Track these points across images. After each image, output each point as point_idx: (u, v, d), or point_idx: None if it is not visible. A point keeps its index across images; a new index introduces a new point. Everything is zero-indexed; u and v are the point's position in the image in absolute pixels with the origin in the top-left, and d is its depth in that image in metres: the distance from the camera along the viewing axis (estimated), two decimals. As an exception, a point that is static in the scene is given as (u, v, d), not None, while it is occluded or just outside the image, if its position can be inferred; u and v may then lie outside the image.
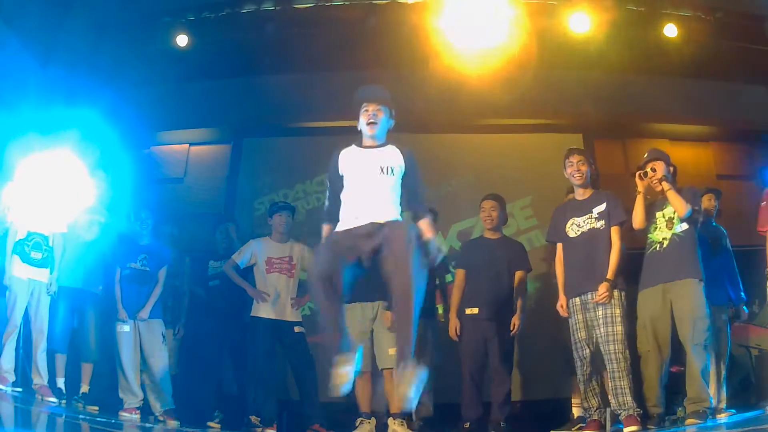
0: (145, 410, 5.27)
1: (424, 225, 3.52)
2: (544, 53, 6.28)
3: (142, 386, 5.27)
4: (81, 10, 6.08)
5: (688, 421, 4.16)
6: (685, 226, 4.43)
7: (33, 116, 5.50)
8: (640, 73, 6.99)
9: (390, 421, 4.80)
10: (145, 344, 5.27)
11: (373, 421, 4.88)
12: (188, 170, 7.45)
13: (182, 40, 6.69)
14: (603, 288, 4.32)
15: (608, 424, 4.47)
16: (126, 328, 5.22)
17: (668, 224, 4.50)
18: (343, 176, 3.74)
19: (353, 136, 6.73)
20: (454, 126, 7.20)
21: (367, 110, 3.80)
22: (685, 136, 7.31)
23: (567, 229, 4.58)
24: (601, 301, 4.32)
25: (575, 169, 4.61)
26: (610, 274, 4.35)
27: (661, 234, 4.51)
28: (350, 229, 3.49)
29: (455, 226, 6.75)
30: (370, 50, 6.47)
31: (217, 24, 6.71)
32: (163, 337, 5.35)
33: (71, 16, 6.11)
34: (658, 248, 4.49)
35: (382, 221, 3.44)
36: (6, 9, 5.63)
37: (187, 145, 7.57)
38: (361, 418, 4.85)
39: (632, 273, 4.66)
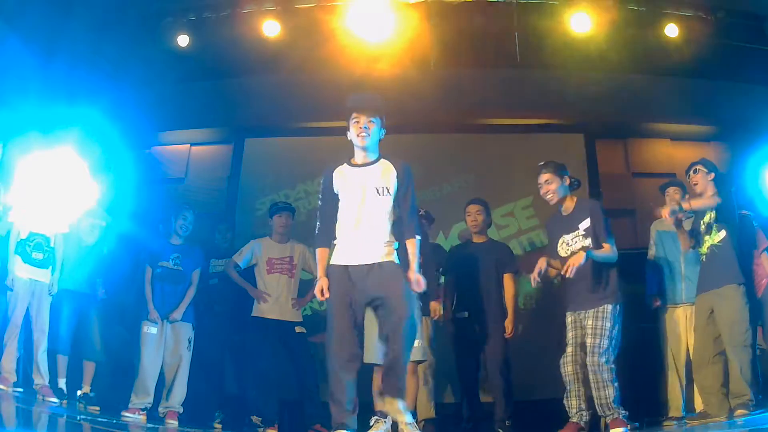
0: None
1: (410, 248, 3.60)
2: (544, 53, 6.29)
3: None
4: (82, 10, 6.08)
5: (737, 412, 4.23)
6: (723, 235, 4.49)
7: (34, 116, 5.51)
8: (640, 73, 7.00)
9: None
10: (171, 347, 5.17)
11: (390, 420, 4.86)
12: (189, 170, 7.46)
13: (183, 40, 6.70)
14: (577, 257, 4.08)
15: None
16: (153, 329, 5.12)
17: (707, 230, 4.60)
18: (338, 195, 3.68)
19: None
20: (454, 126, 7.20)
21: (357, 122, 3.65)
22: (686, 136, 7.31)
23: (558, 248, 4.35)
24: (572, 269, 4.06)
25: (548, 189, 4.36)
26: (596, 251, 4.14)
27: (705, 245, 4.59)
28: (348, 269, 3.57)
29: (456, 226, 6.74)
30: (371, 50, 6.47)
31: (218, 24, 6.72)
32: (189, 342, 5.23)
33: (72, 15, 6.11)
34: (703, 259, 4.61)
35: (379, 260, 3.53)
36: (7, 8, 5.63)
37: (189, 145, 7.57)
38: (376, 417, 4.83)
39: (630, 274, 4.67)
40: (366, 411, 4.87)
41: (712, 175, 4.63)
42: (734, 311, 4.36)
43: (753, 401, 4.26)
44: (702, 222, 4.65)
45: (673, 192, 5.13)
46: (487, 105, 6.83)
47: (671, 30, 6.40)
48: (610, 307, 4.17)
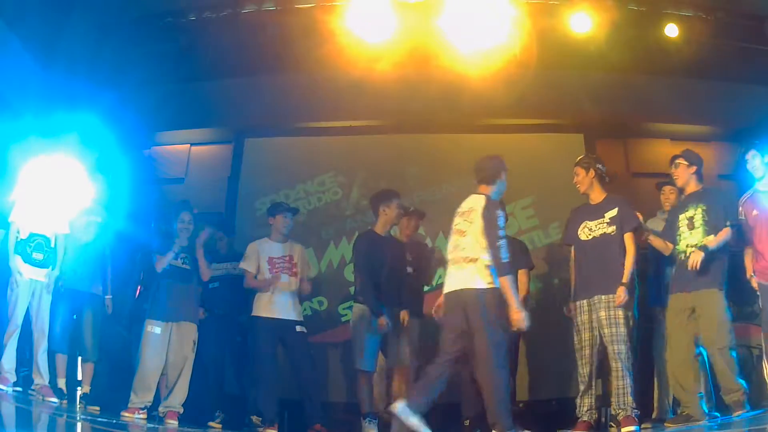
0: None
1: None
2: (544, 53, 6.28)
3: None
4: (82, 10, 6.09)
5: (736, 412, 4.25)
6: (711, 238, 4.43)
7: (34, 117, 5.51)
8: (640, 73, 6.99)
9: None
10: (176, 348, 5.14)
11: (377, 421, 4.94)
12: (189, 170, 7.45)
13: (183, 40, 6.70)
14: (620, 292, 4.33)
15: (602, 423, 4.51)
16: (157, 329, 5.09)
17: (689, 225, 4.54)
18: None
19: (353, 137, 6.78)
20: (454, 126, 7.20)
21: None
22: (686, 136, 7.30)
23: (579, 232, 4.61)
24: (620, 304, 4.33)
25: (576, 180, 4.71)
26: (625, 278, 4.37)
27: (684, 242, 4.55)
28: None
29: (456, 226, 6.73)
30: (370, 50, 6.47)
31: (218, 24, 6.71)
32: (194, 343, 5.21)
33: (72, 16, 6.11)
34: (682, 257, 4.54)
35: None
36: (7, 10, 5.63)
37: (189, 145, 7.57)
38: (369, 418, 4.91)
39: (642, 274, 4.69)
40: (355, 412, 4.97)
41: (694, 168, 4.62)
42: (720, 314, 4.35)
43: (747, 393, 4.25)
44: (684, 217, 4.58)
45: (668, 191, 5.11)
46: (487, 105, 6.82)
47: (671, 30, 6.39)
48: None
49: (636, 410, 4.25)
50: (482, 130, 7.31)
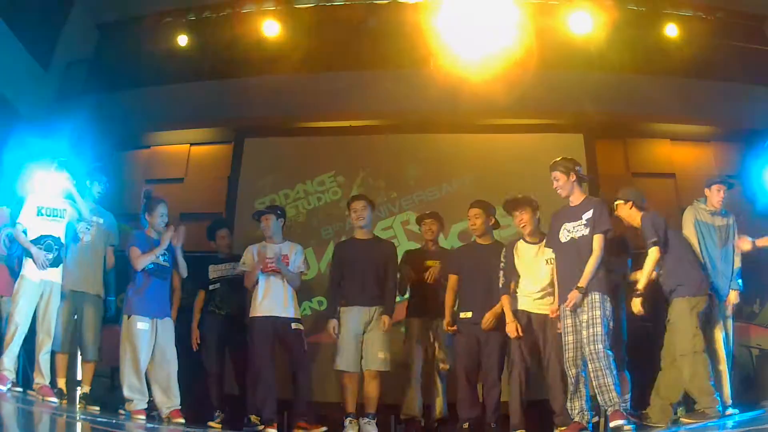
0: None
1: None
2: (544, 53, 6.29)
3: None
4: (82, 10, 6.10)
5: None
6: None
7: (34, 119, 5.52)
8: (640, 73, 7.00)
9: (360, 420, 5.03)
10: (160, 343, 5.09)
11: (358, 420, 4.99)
12: (189, 170, 7.45)
13: (183, 40, 6.71)
14: (572, 295, 4.34)
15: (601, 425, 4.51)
16: (146, 326, 5.04)
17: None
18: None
19: (353, 137, 6.76)
20: (454, 126, 7.20)
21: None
22: (686, 136, 7.31)
23: (559, 235, 4.59)
24: (568, 308, 4.35)
25: (555, 186, 4.65)
26: (582, 282, 4.34)
27: None
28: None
29: (456, 226, 6.74)
30: (370, 50, 6.48)
31: (218, 24, 6.73)
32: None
33: (72, 16, 6.12)
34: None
35: None
36: (6, 8, 5.64)
37: (188, 145, 7.56)
38: (350, 418, 4.94)
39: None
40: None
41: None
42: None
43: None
44: None
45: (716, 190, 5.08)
46: (488, 105, 6.82)
47: (671, 30, 6.41)
48: (597, 295, 4.33)
49: (624, 404, 4.27)
50: (482, 130, 7.32)
